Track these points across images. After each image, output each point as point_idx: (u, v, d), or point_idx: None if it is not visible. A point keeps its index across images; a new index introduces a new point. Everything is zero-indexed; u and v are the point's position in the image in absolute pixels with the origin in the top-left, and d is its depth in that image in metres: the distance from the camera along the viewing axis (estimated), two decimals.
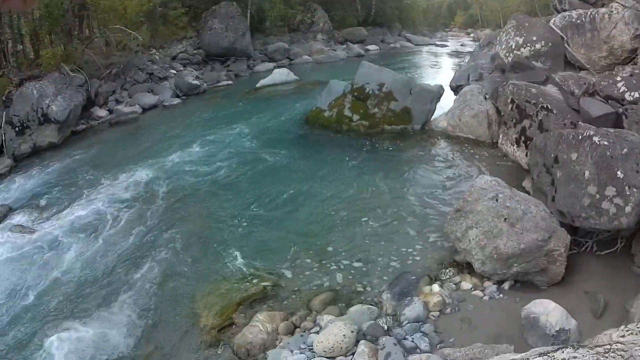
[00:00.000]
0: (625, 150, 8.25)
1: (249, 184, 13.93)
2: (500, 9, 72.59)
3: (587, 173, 8.56)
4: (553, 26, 16.71)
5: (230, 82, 30.90)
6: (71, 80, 21.37)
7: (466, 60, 25.48)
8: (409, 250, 10.20)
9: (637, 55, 14.28)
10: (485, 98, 16.63)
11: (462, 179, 13.26)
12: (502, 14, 71.04)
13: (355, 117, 18.08)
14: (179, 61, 31.98)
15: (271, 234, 11.23)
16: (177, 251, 10.73)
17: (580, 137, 8.98)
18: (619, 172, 8.14)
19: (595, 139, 8.64)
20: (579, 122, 10.48)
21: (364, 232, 10.98)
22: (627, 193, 7.98)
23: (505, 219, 8.56)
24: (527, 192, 10.94)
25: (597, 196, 8.31)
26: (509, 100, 13.12)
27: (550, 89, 13.45)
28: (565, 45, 16.20)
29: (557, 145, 9.51)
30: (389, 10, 59.19)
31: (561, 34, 16.28)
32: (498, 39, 18.49)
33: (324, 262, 9.98)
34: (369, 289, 9.14)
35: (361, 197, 12.76)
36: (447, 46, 56.39)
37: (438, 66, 38.80)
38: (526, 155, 12.14)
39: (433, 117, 18.25)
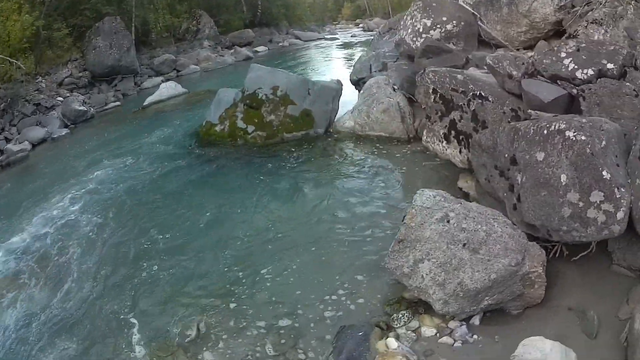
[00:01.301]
0: (603, 142, 6.27)
1: (136, 225, 11.37)
2: None
3: (563, 177, 6.48)
4: (464, 4, 15.05)
5: (118, 103, 28.58)
6: None
7: (363, 51, 23.30)
8: (345, 292, 7.95)
9: (564, 27, 12.91)
10: (394, 89, 14.70)
11: (388, 189, 11.20)
12: (389, 2, 71.04)
13: (250, 128, 15.73)
14: (65, 86, 29.39)
15: (169, 289, 8.71)
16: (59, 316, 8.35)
17: (545, 131, 6.85)
18: (604, 173, 6.11)
19: (569, 133, 6.49)
20: (529, 110, 8.23)
21: (283, 275, 8.63)
22: (617, 196, 6.02)
23: (464, 244, 6.61)
24: (466, 194, 9.79)
25: (581, 204, 6.31)
26: (430, 91, 10.81)
27: (474, 72, 11.33)
28: (479, 23, 14.64)
29: (513, 143, 7.43)
30: (276, 9, 58.08)
31: (473, 11, 14.73)
32: (402, 23, 16.22)
33: (242, 326, 7.49)
34: (308, 355, 6.82)
35: (269, 227, 10.38)
36: (338, 39, 55.36)
37: (332, 60, 37.33)
38: (460, 152, 10.28)
39: (337, 117, 16.15)
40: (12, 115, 23.18)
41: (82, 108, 24.97)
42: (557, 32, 13.53)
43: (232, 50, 44.89)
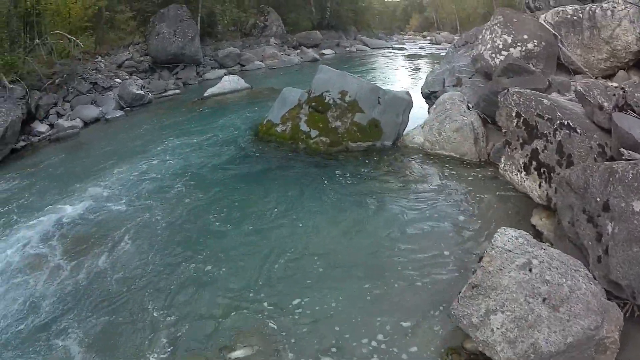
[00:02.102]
0: None
1: (176, 222, 10.80)
2: (457, 11, 71.94)
3: None
4: (545, 23, 14.18)
5: (178, 91, 28.53)
6: (9, 93, 19.23)
7: (434, 64, 22.37)
8: (396, 335, 6.92)
9: None
10: (469, 107, 13.76)
11: (457, 218, 10.16)
12: (458, 17, 70.35)
13: (314, 133, 14.87)
14: (125, 69, 29.42)
15: (205, 298, 8.00)
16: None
17: None
18: None
19: None
20: (621, 149, 7.34)
21: (329, 304, 7.64)
22: None
23: (544, 299, 5.67)
24: (538, 233, 8.94)
25: None
26: (514, 114, 9.70)
27: (559, 98, 10.46)
28: (559, 45, 13.79)
29: (607, 186, 6.49)
30: (344, 13, 57.75)
31: (554, 32, 13.91)
32: (480, 37, 15.33)
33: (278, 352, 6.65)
34: None
35: (320, 245, 9.46)
36: (405, 49, 54.42)
37: (400, 70, 36.25)
38: (539, 186, 9.14)
39: (406, 131, 15.18)
40: (66, 91, 23.37)
41: (139, 92, 24.90)
42: (639, 62, 12.89)
43: (298, 51, 44.67)
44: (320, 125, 14.89)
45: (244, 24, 43.96)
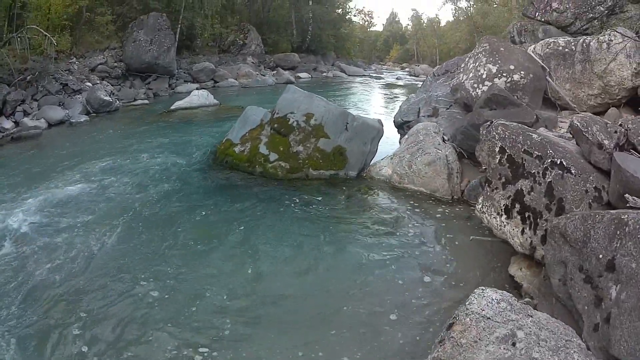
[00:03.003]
0: None
1: (114, 238, 9.71)
2: (438, 45, 71.95)
3: None
4: (533, 54, 13.10)
5: (147, 101, 28.16)
6: None
7: (410, 94, 21.11)
8: None
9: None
10: (444, 140, 12.47)
11: (423, 265, 8.70)
12: (438, 50, 70.27)
13: (273, 156, 13.42)
14: (98, 73, 28.89)
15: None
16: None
17: None
18: None
19: None
20: (627, 196, 5.97)
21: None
22: None
23: None
24: (517, 285, 7.67)
25: None
26: (497, 149, 8.19)
27: (548, 134, 9.01)
28: (547, 78, 12.69)
29: (613, 241, 5.07)
30: (325, 38, 57.27)
31: (543, 64, 12.82)
32: (463, 66, 14.02)
33: None
34: None
35: (266, 287, 8.04)
36: (382, 78, 53.53)
37: (374, 98, 35.12)
38: (522, 232, 7.61)
39: (373, 161, 13.80)
40: (36, 89, 23.08)
41: (107, 98, 24.45)
42: (632, 99, 11.91)
43: (274, 72, 43.98)
44: (281, 148, 13.48)
45: (223, 40, 43.05)
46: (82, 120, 22.03)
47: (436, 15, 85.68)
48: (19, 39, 23.35)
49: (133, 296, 7.63)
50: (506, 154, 7.98)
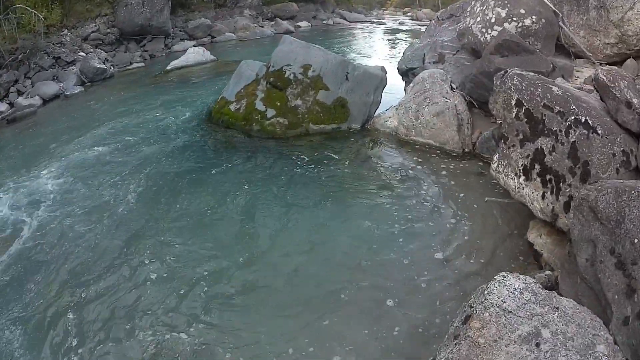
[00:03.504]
0: None
1: (111, 206, 9.62)
2: None
3: None
4: None
5: (142, 64, 26.99)
6: None
7: (415, 39, 20.04)
8: None
9: None
10: (452, 88, 11.49)
11: (434, 233, 7.86)
12: None
13: (270, 112, 12.50)
14: (90, 42, 27.86)
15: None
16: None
17: None
18: None
19: None
20: None
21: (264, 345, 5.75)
22: None
23: None
24: (537, 253, 6.85)
25: None
26: (513, 102, 7.20)
27: (567, 86, 8.02)
28: (560, 24, 11.64)
29: None
30: None
31: (555, 9, 11.74)
32: (469, 9, 12.94)
33: None
34: None
35: (258, 259, 7.51)
36: (385, 24, 51.65)
37: (377, 45, 33.59)
38: (543, 197, 6.71)
39: (377, 112, 12.83)
40: (28, 67, 22.49)
41: (101, 66, 23.66)
42: None
43: (273, 22, 42.40)
44: (278, 103, 12.56)
45: None
46: (76, 91, 21.33)
47: None
48: (6, 21, 22.71)
49: (125, 270, 7.51)
50: (524, 107, 6.99)
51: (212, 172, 10.64)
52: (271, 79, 12.93)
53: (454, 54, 13.30)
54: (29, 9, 23.10)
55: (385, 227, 7.92)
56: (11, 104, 19.43)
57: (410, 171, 9.81)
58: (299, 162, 10.59)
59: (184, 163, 11.35)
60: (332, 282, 6.75)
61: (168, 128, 14.11)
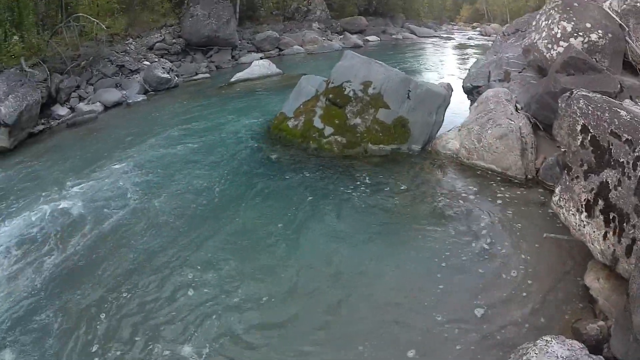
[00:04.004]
0: None
1: (157, 224, 9.33)
2: (507, 3, 69.47)
3: None
4: (609, 11, 11.11)
5: (207, 75, 26.73)
6: (29, 77, 18.42)
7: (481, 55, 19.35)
8: None
9: None
10: (517, 109, 10.83)
11: (488, 266, 7.34)
12: (508, 9, 67.72)
13: (328, 130, 12.08)
14: (156, 51, 28.10)
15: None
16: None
17: None
18: None
19: None
20: None
21: None
22: None
23: None
24: (592, 299, 6.26)
25: None
26: (579, 128, 6.49)
27: (635, 109, 7.28)
28: (627, 38, 10.79)
29: None
30: (392, 0, 54.57)
31: (621, 22, 10.88)
32: (534, 24, 12.30)
33: None
34: None
35: (303, 287, 7.16)
36: (454, 39, 51.18)
37: (445, 61, 32.79)
38: (604, 237, 5.97)
39: (439, 133, 12.17)
40: (91, 74, 22.53)
41: (164, 75, 23.57)
42: None
43: (341, 36, 42.27)
44: (337, 121, 12.13)
45: (287, 8, 41.76)
46: (139, 99, 21.46)
47: None
48: (67, 28, 22.94)
49: (167, 282, 7.45)
50: (589, 134, 6.29)
51: (264, 190, 10.33)
52: (330, 96, 12.54)
53: (520, 72, 12.64)
54: (89, 17, 23.31)
55: (432, 264, 7.41)
56: (72, 109, 19.63)
57: (468, 200, 9.23)
58: (353, 185, 10.12)
59: (236, 179, 11.11)
60: (359, 321, 6.39)
61: (224, 142, 13.82)
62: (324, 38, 39.62)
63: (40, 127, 17.67)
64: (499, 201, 9.08)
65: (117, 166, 12.49)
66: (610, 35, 10.59)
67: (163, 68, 24.90)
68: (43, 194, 11.22)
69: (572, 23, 10.92)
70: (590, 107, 6.35)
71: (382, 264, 7.51)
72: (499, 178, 10.00)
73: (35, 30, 21.90)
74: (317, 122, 12.35)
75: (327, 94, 12.65)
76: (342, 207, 9.29)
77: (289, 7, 41.88)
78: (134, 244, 8.56)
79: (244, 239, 8.40)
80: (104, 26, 23.49)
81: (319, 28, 41.88)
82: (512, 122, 10.24)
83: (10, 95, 16.29)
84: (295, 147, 12.31)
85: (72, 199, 10.75)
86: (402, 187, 9.94)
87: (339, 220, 8.83)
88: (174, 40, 29.71)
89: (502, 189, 9.57)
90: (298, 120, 12.81)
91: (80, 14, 23.29)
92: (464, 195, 9.44)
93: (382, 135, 11.69)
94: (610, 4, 11.47)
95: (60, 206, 10.46)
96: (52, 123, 18.32)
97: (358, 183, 10.18)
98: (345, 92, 12.36)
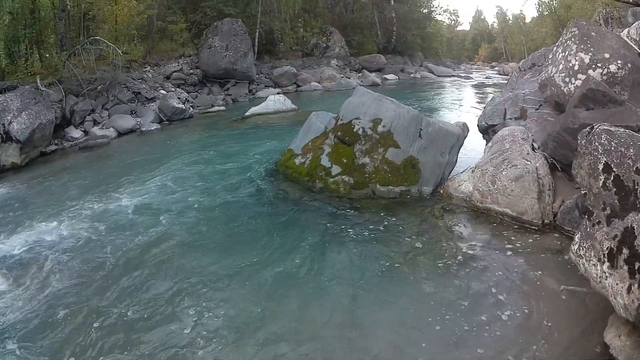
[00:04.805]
0: None
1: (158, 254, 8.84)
2: (525, 42, 69.26)
3: None
4: (628, 40, 10.39)
5: (223, 108, 26.89)
6: (44, 96, 19.02)
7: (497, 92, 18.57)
8: None
9: None
10: (534, 148, 9.97)
11: (500, 323, 6.42)
12: (526, 47, 67.44)
13: (336, 169, 11.27)
14: (173, 81, 28.21)
15: None
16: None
17: None
18: None
19: None
20: None
21: None
22: None
23: None
24: (611, 357, 5.37)
25: None
26: (601, 167, 5.75)
27: None
28: None
29: None
30: (411, 38, 55.23)
31: None
32: (551, 57, 11.50)
33: None
34: None
35: (306, 340, 6.26)
36: (472, 78, 50.75)
37: (462, 100, 32.17)
38: (629, 290, 5.05)
39: (452, 175, 11.28)
40: (107, 98, 22.92)
41: (179, 106, 23.80)
42: None
43: (360, 74, 42.15)
44: (345, 160, 11.34)
45: (306, 44, 41.63)
46: (152, 128, 21.68)
47: (520, 11, 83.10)
48: (84, 50, 22.99)
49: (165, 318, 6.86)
50: (612, 173, 5.44)
51: (264, 228, 9.62)
52: (339, 133, 11.82)
53: (537, 109, 11.79)
54: (107, 42, 23.35)
55: (437, 321, 6.52)
56: (86, 132, 20.02)
57: (480, 249, 8.32)
58: (358, 229, 9.26)
59: (237, 215, 10.50)
60: None
61: (230, 176, 13.37)
62: (341, 75, 39.28)
63: (53, 147, 18.03)
64: (513, 250, 8.18)
65: (123, 191, 12.37)
66: (629, 65, 9.71)
67: (178, 98, 25.08)
68: (47, 210, 11.18)
69: (590, 54, 10.08)
70: (613, 143, 5.52)
71: (384, 317, 6.67)
72: (514, 224, 9.08)
73: (54, 50, 22.82)
74: (325, 160, 11.60)
75: (336, 131, 11.94)
76: (341, 253, 8.46)
77: (308, 42, 41.92)
78: (128, 271, 8.17)
79: (240, 279, 7.69)
80: (119, 51, 23.48)
81: (337, 65, 41.66)
82: (529, 163, 9.39)
83: (23, 112, 16.71)
84: (300, 186, 11.62)
85: (75, 219, 10.59)
86: (409, 234, 9.04)
87: (336, 267, 8.01)
88: (191, 71, 29.57)
89: (517, 235, 8.65)
90: (305, 157, 12.12)
91: (98, 37, 23.41)
92: (475, 243, 8.53)
93: (391, 176, 10.86)
94: (628, 31, 10.84)
95: (62, 225, 10.29)
96: (65, 144, 18.67)
97: (362, 228, 9.32)
98: (355, 130, 11.63)
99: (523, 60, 15.93)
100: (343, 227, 9.40)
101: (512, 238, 8.54)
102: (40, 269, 8.48)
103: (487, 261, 7.86)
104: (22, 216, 11.08)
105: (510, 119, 12.21)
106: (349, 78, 39.27)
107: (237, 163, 14.69)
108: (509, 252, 8.09)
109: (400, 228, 9.25)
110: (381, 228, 9.28)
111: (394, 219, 9.64)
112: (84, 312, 6.97)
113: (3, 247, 9.48)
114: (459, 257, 8.06)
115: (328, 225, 9.54)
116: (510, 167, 9.49)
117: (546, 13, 63.43)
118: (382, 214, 9.88)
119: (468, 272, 7.60)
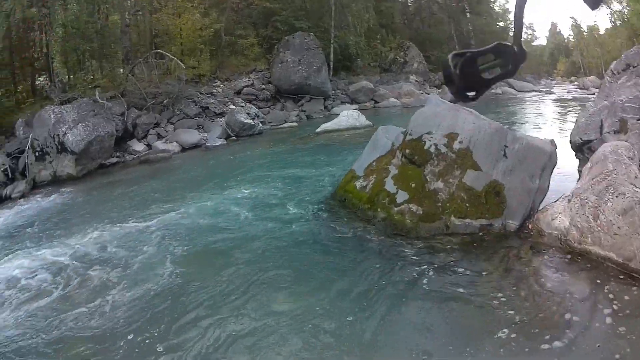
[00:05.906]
0: None
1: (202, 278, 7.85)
2: (601, 54, 66.89)
3: None
4: None
5: (295, 123, 26.01)
6: (105, 108, 18.84)
7: (590, 102, 15.93)
8: None
9: None
10: None
11: None
12: (603, 60, 64.81)
13: (402, 196, 9.01)
14: (243, 96, 27.44)
15: None
16: None
17: None
18: None
19: None
20: None
21: None
22: None
23: None
24: None
25: None
26: None
27: None
28: None
29: None
30: None
31: None
32: None
33: None
34: None
35: None
36: (553, 93, 48.92)
37: (546, 115, 29.63)
38: None
39: (543, 205, 8.65)
40: (172, 112, 22.58)
41: (247, 121, 22.95)
42: None
43: (439, 90, 39.89)
44: (413, 185, 9.08)
45: (384, 59, 40.16)
46: (217, 143, 21.00)
47: (594, 22, 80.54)
48: (146, 64, 22.67)
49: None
50: None
51: (307, 267, 8.05)
52: (407, 151, 9.65)
53: (639, 119, 9.32)
54: (169, 55, 23.01)
55: None
56: (149, 145, 19.82)
57: (573, 309, 5.87)
58: (424, 277, 7.07)
59: (283, 245, 9.00)
60: None
61: (287, 199, 11.94)
62: (421, 91, 37.59)
63: (114, 160, 18.13)
64: (614, 309, 5.74)
65: (179, 207, 11.78)
66: None
67: (247, 113, 24.13)
68: (93, 223, 10.93)
69: None
70: None
71: None
72: (619, 273, 6.53)
73: (118, 63, 22.79)
74: (389, 185, 9.43)
75: (404, 148, 9.75)
76: (404, 309, 6.40)
77: (385, 58, 40.70)
78: (177, 289, 7.53)
79: (274, 325, 6.28)
80: (182, 65, 23.09)
81: (416, 80, 40.35)
82: (638, 190, 6.95)
83: (80, 124, 16.67)
84: (359, 215, 9.60)
85: (124, 232, 10.24)
86: (487, 284, 6.74)
87: (403, 324, 6.08)
88: (263, 86, 28.75)
89: (623, 287, 6.21)
90: (367, 180, 10.07)
91: (160, 51, 23.29)
92: (569, 300, 6.10)
93: (468, 205, 8.49)
94: None
95: (107, 238, 9.93)
96: (126, 157, 18.71)
97: (432, 273, 7.15)
98: (425, 147, 9.34)
99: (615, 61, 12.97)
100: (405, 276, 7.20)
101: (615, 293, 6.09)
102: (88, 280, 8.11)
103: (578, 326, 5.47)
104: (66, 225, 11.08)
105: (609, 132, 9.66)
106: (429, 94, 37.06)
107: (296, 183, 13.46)
108: (609, 312, 5.70)
109: (476, 276, 7.02)
110: (452, 275, 7.09)
111: (469, 263, 7.40)
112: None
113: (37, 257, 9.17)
114: (547, 320, 5.74)
115: (383, 269, 7.51)
116: (616, 196, 6.98)
117: (619, 23, 60.62)
118: (455, 255, 7.67)
119: (555, 335, 5.37)
